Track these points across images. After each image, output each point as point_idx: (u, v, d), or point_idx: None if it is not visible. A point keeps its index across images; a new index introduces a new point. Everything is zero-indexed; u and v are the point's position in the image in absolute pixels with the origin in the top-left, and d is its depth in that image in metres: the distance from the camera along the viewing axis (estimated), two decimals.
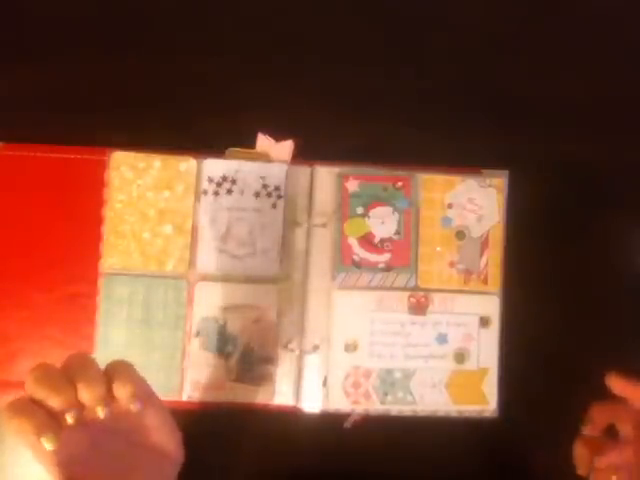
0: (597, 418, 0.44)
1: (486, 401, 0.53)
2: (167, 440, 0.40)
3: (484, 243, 0.55)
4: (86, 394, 0.34)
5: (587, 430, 0.44)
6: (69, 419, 0.34)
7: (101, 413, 0.35)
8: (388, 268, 0.54)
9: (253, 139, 0.54)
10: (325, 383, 0.53)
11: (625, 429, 0.42)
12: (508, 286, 0.54)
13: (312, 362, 0.53)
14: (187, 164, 0.53)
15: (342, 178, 0.54)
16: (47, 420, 0.33)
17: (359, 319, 0.53)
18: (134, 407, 0.36)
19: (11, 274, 0.52)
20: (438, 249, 0.54)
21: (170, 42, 0.55)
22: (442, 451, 0.53)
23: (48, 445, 0.33)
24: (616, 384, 0.43)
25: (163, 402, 0.40)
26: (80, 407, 0.35)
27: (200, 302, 0.52)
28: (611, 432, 0.44)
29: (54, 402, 0.34)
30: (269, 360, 0.52)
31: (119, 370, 0.37)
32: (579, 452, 0.43)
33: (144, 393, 0.37)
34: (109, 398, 0.35)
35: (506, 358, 0.54)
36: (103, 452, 0.37)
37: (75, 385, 0.34)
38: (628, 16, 0.58)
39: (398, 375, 0.53)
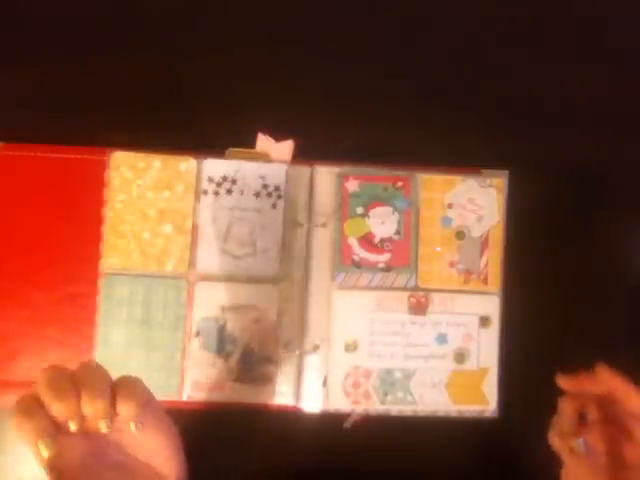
0: (567, 409, 0.44)
1: (486, 401, 0.53)
2: (168, 462, 0.39)
3: (484, 243, 0.55)
4: (89, 408, 0.34)
5: (562, 424, 0.44)
6: (72, 426, 0.34)
7: (104, 428, 0.35)
8: (388, 268, 0.54)
9: (253, 139, 0.54)
10: (325, 383, 0.53)
11: (591, 412, 0.44)
12: (508, 286, 0.54)
13: (312, 362, 0.53)
14: (187, 164, 0.53)
15: (342, 178, 0.54)
16: (47, 425, 0.33)
17: (359, 319, 0.53)
18: (133, 427, 0.36)
19: (11, 274, 0.52)
20: (438, 249, 0.54)
21: (170, 42, 0.55)
22: (442, 451, 0.53)
23: (44, 451, 0.33)
24: (566, 384, 0.45)
25: (172, 425, 0.40)
26: (83, 417, 0.35)
27: (200, 302, 0.52)
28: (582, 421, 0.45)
29: (57, 409, 0.33)
30: (269, 360, 0.52)
31: (125, 387, 0.36)
32: (555, 440, 0.44)
33: (151, 414, 0.37)
34: (113, 413, 0.35)
35: (506, 358, 0.54)
36: (102, 462, 0.37)
37: (81, 396, 0.34)
38: (628, 16, 0.58)
39: (398, 375, 0.53)
